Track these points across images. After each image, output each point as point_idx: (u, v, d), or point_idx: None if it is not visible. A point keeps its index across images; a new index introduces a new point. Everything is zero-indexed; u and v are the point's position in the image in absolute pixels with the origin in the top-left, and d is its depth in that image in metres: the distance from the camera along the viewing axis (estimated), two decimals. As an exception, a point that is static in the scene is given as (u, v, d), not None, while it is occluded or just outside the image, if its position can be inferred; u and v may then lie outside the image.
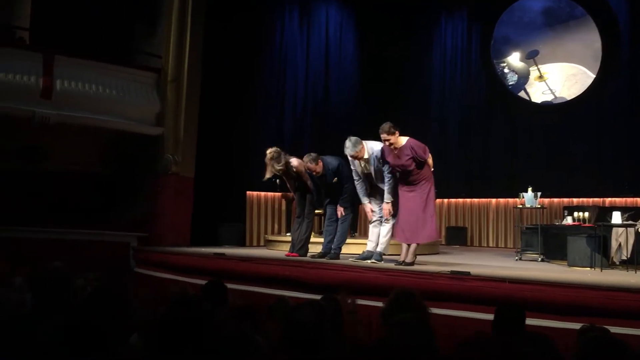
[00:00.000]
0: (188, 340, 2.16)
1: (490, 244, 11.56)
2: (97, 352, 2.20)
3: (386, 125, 5.83)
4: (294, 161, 6.72)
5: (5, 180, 8.65)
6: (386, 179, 6.04)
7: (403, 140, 5.89)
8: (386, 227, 6.18)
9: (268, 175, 6.76)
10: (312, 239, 7.35)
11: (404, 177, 5.93)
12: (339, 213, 6.51)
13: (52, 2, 9.39)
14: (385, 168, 6.04)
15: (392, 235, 6.21)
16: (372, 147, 6.19)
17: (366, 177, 6.33)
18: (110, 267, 7.99)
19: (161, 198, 9.38)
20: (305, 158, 6.49)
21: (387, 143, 5.86)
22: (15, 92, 8.15)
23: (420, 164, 5.86)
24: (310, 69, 11.82)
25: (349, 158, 6.33)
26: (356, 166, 6.32)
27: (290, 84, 11.50)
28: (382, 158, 6.05)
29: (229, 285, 5.36)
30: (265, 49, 11.16)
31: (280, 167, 6.65)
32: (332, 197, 6.68)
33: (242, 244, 9.87)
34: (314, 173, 6.50)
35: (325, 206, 6.81)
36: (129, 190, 9.87)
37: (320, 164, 6.48)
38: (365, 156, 6.21)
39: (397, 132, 5.84)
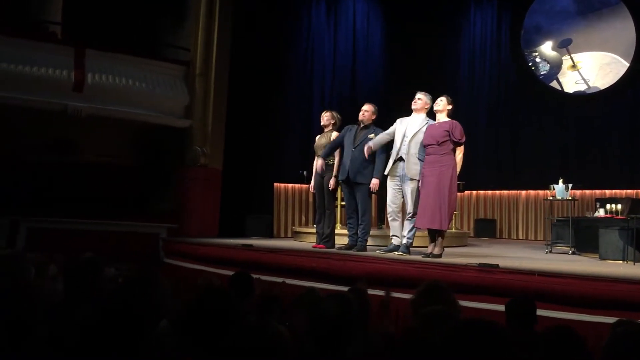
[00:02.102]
0: (213, 330, 2.19)
1: (520, 237, 11.42)
2: (127, 337, 2.25)
3: (448, 96, 6.01)
4: (336, 134, 6.89)
5: (39, 173, 8.86)
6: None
7: (447, 119, 5.92)
8: (410, 222, 6.12)
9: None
10: (339, 231, 7.36)
11: (428, 159, 5.83)
12: (372, 185, 6.40)
13: (83, -3, 9.55)
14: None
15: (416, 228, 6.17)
16: (428, 119, 6.19)
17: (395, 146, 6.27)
18: (140, 257, 8.15)
19: (190, 190, 9.49)
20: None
21: (437, 108, 5.95)
22: (48, 86, 8.34)
23: (452, 146, 5.79)
24: (337, 61, 11.79)
25: (397, 121, 6.30)
26: (397, 128, 6.25)
27: (317, 76, 11.49)
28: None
29: (257, 276, 5.42)
30: (293, 41, 11.17)
31: (328, 120, 7.02)
32: (352, 173, 6.51)
33: (269, 235, 9.93)
34: (363, 114, 6.57)
35: (347, 199, 6.76)
36: (158, 181, 10.02)
37: (374, 116, 6.58)
38: (422, 117, 6.15)
39: (451, 107, 5.96)
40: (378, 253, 6.09)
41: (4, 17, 8.73)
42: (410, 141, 6.10)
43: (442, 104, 5.96)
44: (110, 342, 2.08)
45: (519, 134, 11.72)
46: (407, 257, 5.84)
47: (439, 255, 5.75)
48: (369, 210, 6.56)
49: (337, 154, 6.75)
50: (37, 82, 8.24)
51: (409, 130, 6.16)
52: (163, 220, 9.50)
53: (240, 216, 9.70)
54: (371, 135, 6.44)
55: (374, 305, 4.17)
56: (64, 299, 3.13)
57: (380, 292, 4.78)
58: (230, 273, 4.50)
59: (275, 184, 10.65)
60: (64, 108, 8.44)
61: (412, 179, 6.03)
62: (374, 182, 6.38)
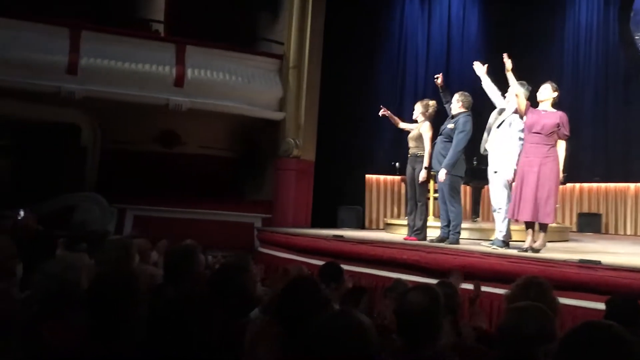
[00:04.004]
0: (300, 318, 2.24)
1: (628, 232, 10.70)
2: (217, 323, 2.34)
3: (552, 83, 5.65)
4: (427, 124, 6.68)
5: (144, 163, 9.40)
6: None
7: (552, 109, 5.58)
8: (501, 215, 5.92)
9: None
10: (432, 223, 7.24)
11: (531, 148, 5.58)
12: (440, 177, 6.22)
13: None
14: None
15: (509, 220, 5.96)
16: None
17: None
18: (237, 246, 8.45)
19: (283, 181, 9.72)
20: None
21: (540, 97, 5.59)
22: (151, 82, 8.82)
23: (556, 138, 5.49)
24: (431, 52, 11.55)
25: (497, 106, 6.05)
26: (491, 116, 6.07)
27: (410, 68, 11.33)
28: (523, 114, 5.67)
29: (347, 267, 5.46)
30: (385, 31, 11.08)
31: (420, 108, 6.78)
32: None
33: (361, 226, 9.95)
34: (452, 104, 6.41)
35: (439, 190, 6.64)
36: (254, 173, 10.33)
37: (460, 104, 6.34)
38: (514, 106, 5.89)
39: (557, 95, 5.56)
40: (481, 247, 5.91)
41: (113, 17, 9.31)
42: (495, 133, 5.97)
43: (545, 92, 5.57)
44: (202, 325, 2.16)
45: (628, 122, 10.94)
46: (501, 250, 5.65)
47: (538, 250, 5.49)
48: (455, 200, 6.32)
49: (427, 145, 6.62)
50: (142, 78, 8.73)
51: (498, 120, 5.97)
52: (258, 210, 9.82)
53: (332, 207, 9.80)
54: (450, 126, 6.31)
55: (465, 299, 4.09)
56: (162, 282, 3.32)
57: (471, 286, 4.69)
58: (321, 263, 4.57)
59: (366, 176, 10.65)
60: (166, 102, 8.89)
61: (503, 171, 5.84)
62: (441, 174, 6.21)
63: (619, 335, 1.43)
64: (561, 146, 5.59)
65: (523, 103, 5.60)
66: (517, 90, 5.69)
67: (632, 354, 1.39)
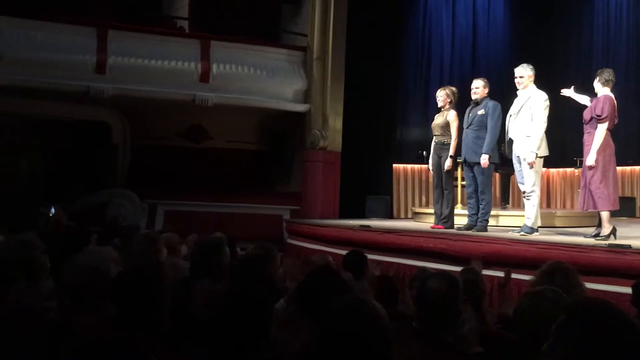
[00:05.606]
0: (321, 306, 2.27)
1: (664, 216, 10.46)
2: (243, 315, 2.39)
3: (606, 70, 5.53)
4: (453, 113, 6.63)
5: (173, 159, 9.55)
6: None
7: (602, 92, 5.44)
8: (531, 201, 5.84)
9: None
10: (459, 211, 7.20)
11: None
12: (482, 162, 6.14)
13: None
14: None
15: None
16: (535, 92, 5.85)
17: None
18: (266, 238, 8.51)
19: (311, 172, 9.75)
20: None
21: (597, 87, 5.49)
22: (177, 78, 8.94)
23: (595, 121, 5.31)
24: (456, 39, 11.38)
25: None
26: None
27: (435, 53, 11.21)
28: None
29: (373, 257, 5.47)
30: (410, 21, 10.98)
31: (444, 100, 6.70)
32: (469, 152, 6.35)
33: (389, 216, 9.93)
34: (474, 92, 6.33)
35: (467, 180, 6.58)
36: (281, 165, 10.40)
37: (486, 90, 6.30)
38: (526, 93, 5.82)
39: (607, 81, 5.42)
40: (508, 234, 5.85)
41: (138, 15, 9.46)
42: (514, 120, 5.89)
43: (595, 83, 5.50)
44: (228, 317, 2.20)
45: (662, 103, 10.66)
46: (529, 237, 5.59)
47: (606, 237, 5.28)
48: (488, 189, 6.30)
49: (454, 133, 6.58)
50: (167, 74, 8.86)
51: (513, 108, 5.92)
52: (287, 202, 9.90)
53: (360, 197, 9.80)
54: (481, 112, 6.23)
55: (493, 285, 4.07)
56: (189, 275, 3.39)
57: (500, 273, 4.66)
58: (347, 253, 4.58)
59: (394, 165, 10.63)
60: (192, 98, 9.00)
61: (525, 158, 5.77)
62: (483, 159, 6.11)
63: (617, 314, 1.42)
64: (597, 129, 5.33)
65: None
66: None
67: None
